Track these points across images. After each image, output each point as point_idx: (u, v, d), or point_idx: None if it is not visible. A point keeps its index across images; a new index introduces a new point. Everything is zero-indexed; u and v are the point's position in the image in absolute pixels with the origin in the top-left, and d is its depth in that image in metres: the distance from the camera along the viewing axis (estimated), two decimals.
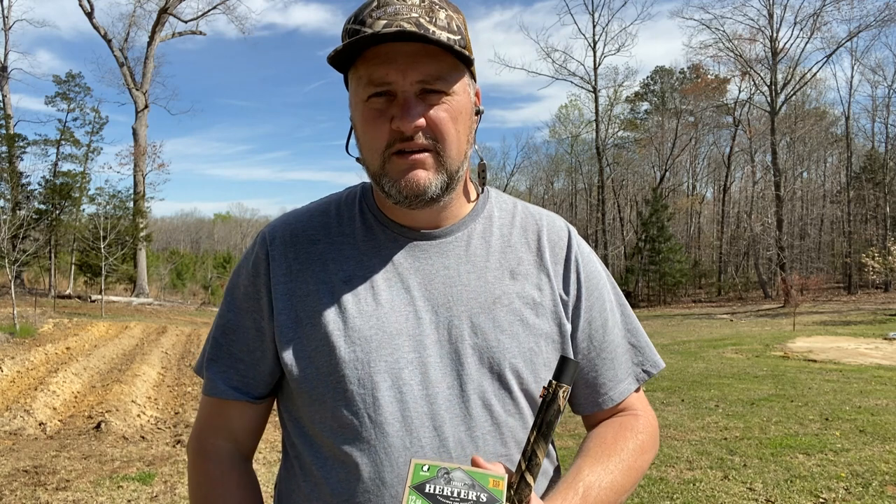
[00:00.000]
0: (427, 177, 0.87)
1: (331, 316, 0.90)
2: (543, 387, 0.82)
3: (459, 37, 0.87)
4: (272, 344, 0.95)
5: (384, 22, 0.82)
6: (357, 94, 0.88)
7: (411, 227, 0.95)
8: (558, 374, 0.81)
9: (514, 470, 0.94)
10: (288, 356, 0.92)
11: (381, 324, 0.90)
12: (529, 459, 0.79)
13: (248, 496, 0.97)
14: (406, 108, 0.84)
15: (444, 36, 0.84)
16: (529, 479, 0.78)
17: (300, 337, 0.91)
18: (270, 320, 0.94)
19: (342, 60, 0.88)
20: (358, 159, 0.94)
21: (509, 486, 0.79)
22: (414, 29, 0.82)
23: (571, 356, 0.98)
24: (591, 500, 0.87)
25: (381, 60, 0.84)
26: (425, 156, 0.87)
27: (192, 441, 1.02)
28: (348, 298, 0.91)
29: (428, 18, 0.84)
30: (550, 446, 1.00)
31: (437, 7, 0.86)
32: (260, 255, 0.97)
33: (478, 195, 1.01)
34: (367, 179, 1.01)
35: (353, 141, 0.94)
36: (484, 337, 0.91)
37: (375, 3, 0.85)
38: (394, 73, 0.84)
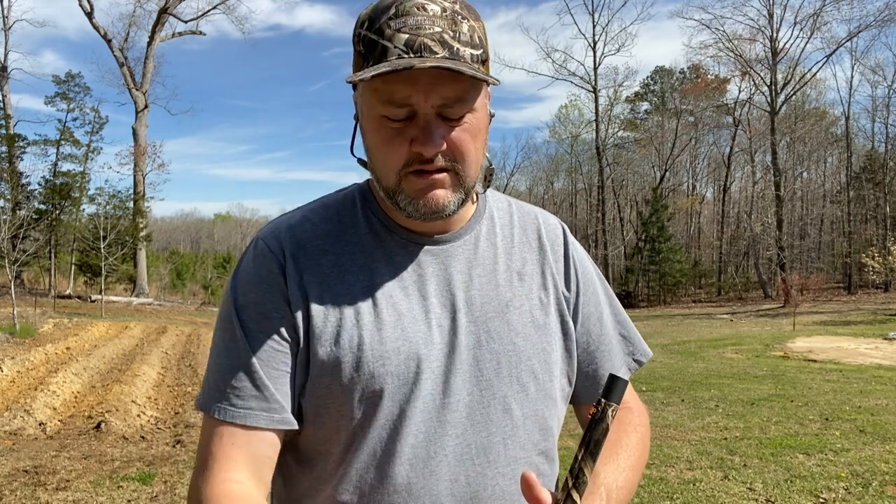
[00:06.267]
0: (446, 196, 0.85)
1: (354, 330, 0.87)
2: (592, 405, 0.81)
3: (481, 50, 0.83)
4: (293, 364, 0.89)
5: (406, 37, 0.78)
6: (372, 108, 0.83)
7: (420, 233, 0.93)
8: (607, 393, 0.80)
9: (545, 472, 0.94)
10: (307, 376, 0.88)
11: (406, 334, 0.88)
12: (576, 477, 0.79)
13: None
14: (428, 131, 0.81)
15: (467, 53, 0.81)
16: (576, 496, 0.79)
17: (322, 355, 0.87)
18: (289, 340, 0.88)
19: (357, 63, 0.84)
20: (361, 161, 0.92)
21: (555, 503, 0.79)
22: (438, 49, 0.78)
23: (574, 355, 0.99)
24: (614, 501, 0.87)
25: (402, 79, 0.79)
26: (444, 175, 0.85)
27: (204, 486, 0.84)
28: (369, 310, 0.88)
29: (451, 34, 0.80)
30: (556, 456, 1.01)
31: (459, 18, 0.82)
32: (274, 271, 0.89)
33: (477, 196, 1.00)
34: (360, 179, 1.00)
35: (357, 141, 0.92)
36: (501, 341, 0.91)
37: (394, 11, 0.80)
38: (416, 94, 0.80)
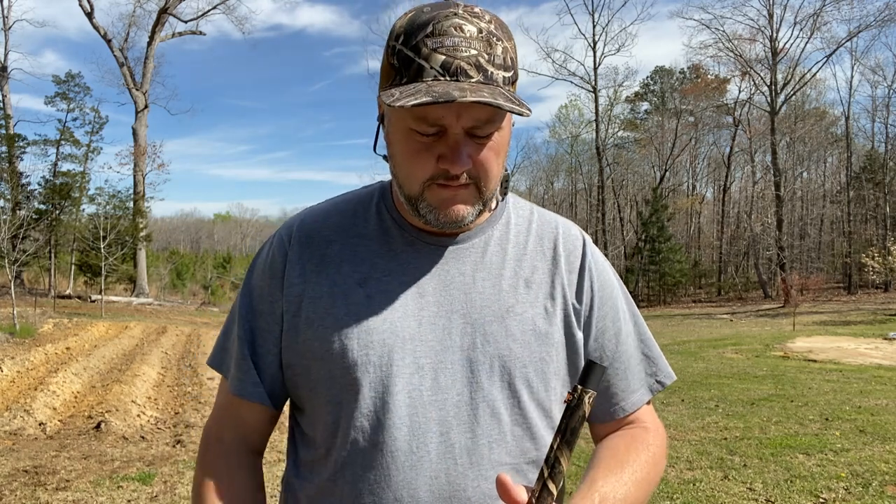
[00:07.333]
0: (466, 209, 0.88)
1: (344, 319, 0.91)
2: (568, 392, 0.80)
3: (511, 72, 0.85)
4: (279, 346, 0.96)
5: (443, 58, 0.80)
6: (401, 119, 0.85)
7: (429, 232, 0.95)
8: (584, 379, 0.78)
9: (535, 480, 0.93)
10: (299, 359, 0.93)
11: (394, 328, 0.90)
12: (552, 467, 0.77)
13: (250, 486, 0.97)
14: (457, 151, 0.83)
15: (500, 76, 0.83)
16: (552, 486, 0.77)
17: (312, 339, 0.92)
18: (282, 323, 0.95)
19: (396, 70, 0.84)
20: (385, 157, 0.93)
21: (531, 495, 0.77)
22: (474, 73, 0.81)
23: (580, 368, 0.97)
24: None
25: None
26: (466, 190, 0.87)
27: (206, 428, 1.04)
28: (362, 301, 0.92)
29: (487, 57, 0.82)
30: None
31: (494, 40, 0.83)
32: (277, 258, 0.97)
33: (497, 203, 1.00)
34: (378, 178, 1.00)
35: (380, 140, 0.94)
36: (496, 345, 0.91)
37: (431, 30, 0.81)
38: (449, 116, 0.82)
